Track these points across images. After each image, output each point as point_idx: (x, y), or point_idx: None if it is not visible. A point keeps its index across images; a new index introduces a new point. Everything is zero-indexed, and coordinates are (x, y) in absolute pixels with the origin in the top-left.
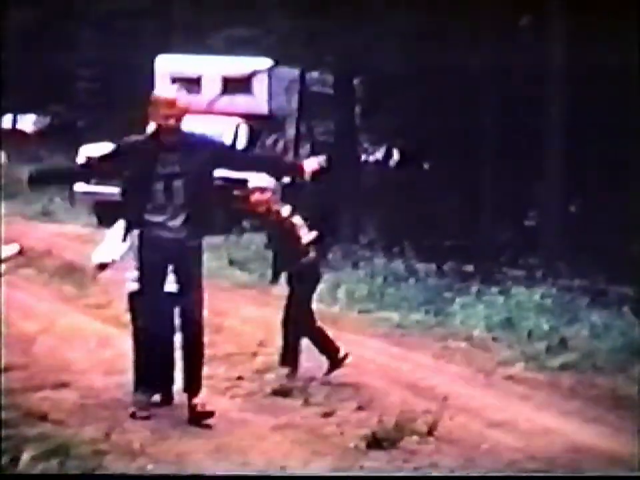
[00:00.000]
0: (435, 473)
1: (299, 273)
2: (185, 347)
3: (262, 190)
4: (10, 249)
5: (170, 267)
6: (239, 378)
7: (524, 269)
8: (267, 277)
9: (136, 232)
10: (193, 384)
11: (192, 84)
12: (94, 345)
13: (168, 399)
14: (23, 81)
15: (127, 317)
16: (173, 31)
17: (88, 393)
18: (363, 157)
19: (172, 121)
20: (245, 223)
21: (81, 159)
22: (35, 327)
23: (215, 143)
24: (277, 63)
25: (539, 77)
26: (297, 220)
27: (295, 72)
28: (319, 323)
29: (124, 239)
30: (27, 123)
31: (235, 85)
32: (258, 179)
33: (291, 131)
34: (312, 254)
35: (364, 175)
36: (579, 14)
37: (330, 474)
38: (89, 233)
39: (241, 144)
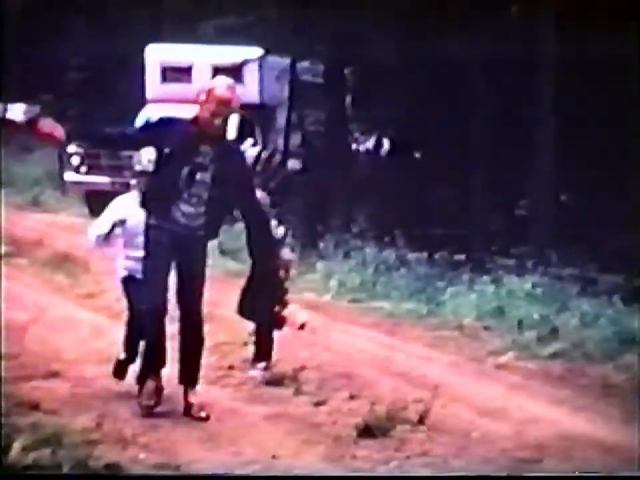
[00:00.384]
0: (426, 460)
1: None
2: (183, 337)
3: None
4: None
5: (175, 254)
6: (230, 367)
7: (515, 258)
8: None
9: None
10: (189, 375)
11: (182, 73)
12: (86, 334)
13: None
14: (13, 71)
15: (119, 306)
16: (163, 20)
17: (80, 382)
18: (354, 147)
19: (219, 120)
20: (237, 213)
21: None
22: (26, 316)
23: (247, 168)
24: (268, 52)
25: (529, 66)
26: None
27: (286, 61)
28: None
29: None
30: (17, 112)
31: (226, 74)
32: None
33: (281, 120)
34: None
35: (355, 164)
36: (569, 3)
37: (322, 465)
38: (81, 222)
39: (232, 134)
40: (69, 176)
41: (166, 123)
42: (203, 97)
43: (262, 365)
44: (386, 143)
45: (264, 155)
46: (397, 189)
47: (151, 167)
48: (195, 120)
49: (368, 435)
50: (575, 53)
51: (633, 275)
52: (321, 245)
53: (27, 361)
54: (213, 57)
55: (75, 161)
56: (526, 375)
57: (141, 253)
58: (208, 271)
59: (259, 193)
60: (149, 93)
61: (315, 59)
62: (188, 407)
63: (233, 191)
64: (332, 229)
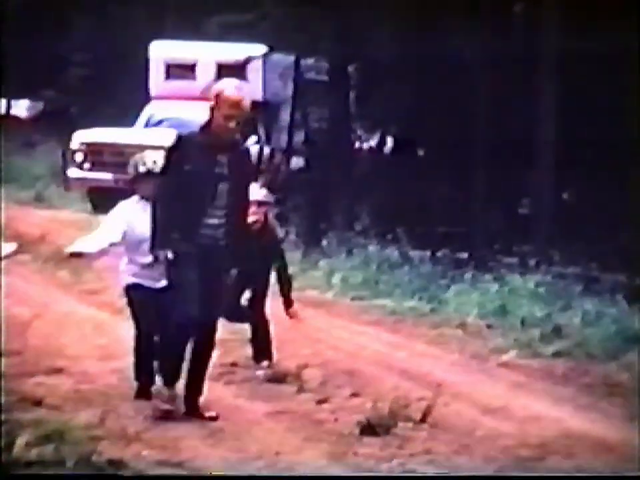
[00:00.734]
0: (429, 458)
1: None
2: (195, 349)
3: (260, 204)
4: (8, 248)
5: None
6: (233, 364)
7: (518, 256)
8: None
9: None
10: (194, 385)
11: (186, 70)
12: (88, 330)
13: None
14: (16, 67)
15: (121, 302)
16: (167, 17)
17: (83, 378)
18: (357, 144)
19: (233, 124)
20: None
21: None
22: (29, 312)
23: (254, 168)
24: (272, 49)
25: (532, 64)
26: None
27: (290, 58)
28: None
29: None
30: (21, 108)
31: (230, 71)
32: (257, 193)
33: (285, 118)
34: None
35: (358, 162)
36: (571, 2)
37: (324, 462)
38: (84, 219)
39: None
40: (72, 172)
41: (184, 142)
42: (212, 102)
43: (265, 363)
44: (389, 141)
45: (267, 152)
46: (400, 187)
47: (157, 169)
48: (208, 126)
49: (370, 433)
50: (577, 52)
51: (636, 274)
52: (324, 242)
53: (29, 356)
54: (217, 54)
55: (79, 157)
56: (529, 373)
57: (147, 260)
58: None
59: (263, 190)
60: (153, 90)
61: (319, 57)
62: (195, 407)
63: (245, 193)
64: (335, 226)
